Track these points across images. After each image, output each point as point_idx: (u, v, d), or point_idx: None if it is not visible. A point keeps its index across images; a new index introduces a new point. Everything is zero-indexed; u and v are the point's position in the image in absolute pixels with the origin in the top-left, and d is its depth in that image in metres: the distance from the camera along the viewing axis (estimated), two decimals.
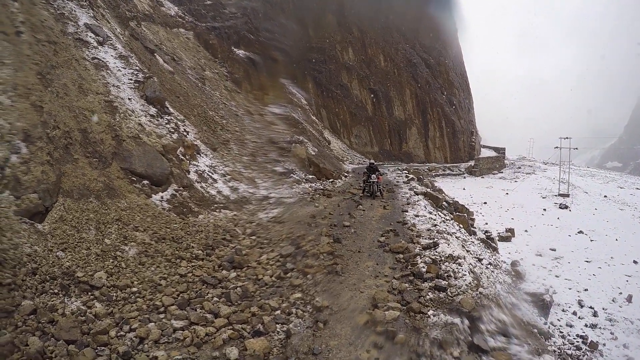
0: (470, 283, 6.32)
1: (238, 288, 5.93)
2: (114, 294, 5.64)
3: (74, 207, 7.23)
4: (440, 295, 5.93)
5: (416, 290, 6.17)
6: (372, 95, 43.00)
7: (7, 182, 6.49)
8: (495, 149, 55.08)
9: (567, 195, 36.45)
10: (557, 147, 44.06)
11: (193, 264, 6.78)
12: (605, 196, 38.25)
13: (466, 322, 4.94)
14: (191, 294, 5.79)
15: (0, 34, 8.34)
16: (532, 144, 78.40)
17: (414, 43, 45.57)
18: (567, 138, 42.95)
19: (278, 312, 5.33)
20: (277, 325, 4.96)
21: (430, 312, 5.30)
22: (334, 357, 4.38)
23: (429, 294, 5.97)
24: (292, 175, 17.26)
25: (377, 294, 5.90)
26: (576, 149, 44.27)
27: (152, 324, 4.96)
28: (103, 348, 4.53)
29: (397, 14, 45.12)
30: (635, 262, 20.88)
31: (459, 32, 54.72)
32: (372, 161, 17.00)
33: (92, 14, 12.99)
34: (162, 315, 5.19)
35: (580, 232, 26.24)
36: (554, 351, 10.12)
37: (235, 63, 29.93)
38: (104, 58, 11.59)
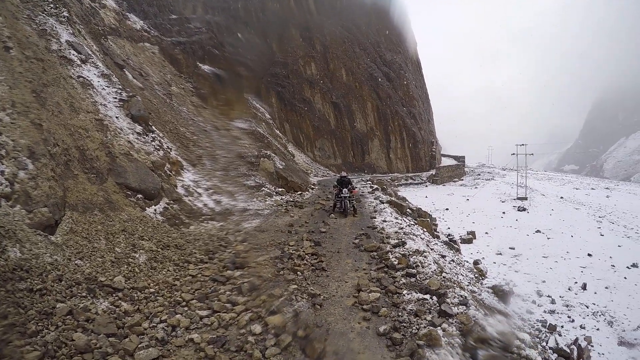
0: (435, 270, 7.83)
1: (245, 283, 6.92)
2: (135, 295, 6.40)
3: (82, 219, 7.83)
4: (411, 280, 7.35)
5: (391, 278, 7.53)
6: (334, 109, 44.72)
7: (18, 197, 6.95)
8: (455, 158, 58.52)
9: (525, 199, 39.12)
10: (513, 154, 47.73)
11: (200, 266, 7.65)
12: (561, 197, 41.15)
13: (434, 298, 6.35)
14: (206, 290, 6.67)
15: None
16: (491, 151, 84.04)
17: (375, 57, 48.26)
18: (522, 145, 46.74)
19: (282, 298, 6.43)
20: (285, 307, 6.07)
21: (405, 292, 6.66)
22: (334, 328, 5.57)
23: (402, 279, 7.37)
24: (263, 188, 18.18)
25: (360, 281, 7.22)
26: (532, 154, 48.00)
27: (179, 315, 5.84)
28: (142, 336, 5.35)
29: (358, 29, 47.64)
30: (589, 254, 22.30)
31: (419, 46, 58.64)
32: (343, 174, 15.06)
33: (71, 31, 13.31)
34: (185, 308, 6.05)
35: (538, 231, 27.94)
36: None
37: (201, 78, 30.36)
38: (88, 76, 12.05)
